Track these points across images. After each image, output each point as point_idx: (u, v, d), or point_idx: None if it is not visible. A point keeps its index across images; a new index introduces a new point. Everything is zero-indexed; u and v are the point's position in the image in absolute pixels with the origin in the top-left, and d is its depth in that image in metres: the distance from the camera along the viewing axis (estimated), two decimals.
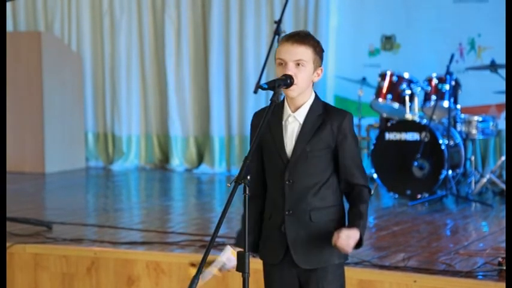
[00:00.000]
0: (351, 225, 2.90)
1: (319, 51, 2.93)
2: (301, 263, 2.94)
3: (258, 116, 3.03)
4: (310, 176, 2.92)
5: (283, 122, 2.95)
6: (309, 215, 2.92)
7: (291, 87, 2.89)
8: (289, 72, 2.87)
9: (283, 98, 2.96)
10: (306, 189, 2.92)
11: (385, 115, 7.16)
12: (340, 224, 2.96)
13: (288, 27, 6.98)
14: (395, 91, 6.95)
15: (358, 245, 2.90)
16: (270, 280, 3.04)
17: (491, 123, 6.96)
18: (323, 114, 2.93)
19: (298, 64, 2.87)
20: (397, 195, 6.70)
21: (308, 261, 2.94)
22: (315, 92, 2.97)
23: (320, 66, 2.94)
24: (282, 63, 2.89)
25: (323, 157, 2.92)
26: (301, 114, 2.93)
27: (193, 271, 2.72)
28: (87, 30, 9.11)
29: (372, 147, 6.90)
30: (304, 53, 2.88)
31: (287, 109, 2.95)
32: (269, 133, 2.95)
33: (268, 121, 2.89)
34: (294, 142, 2.92)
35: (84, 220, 5.99)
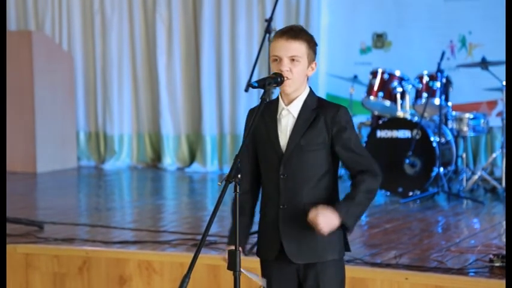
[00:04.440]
0: (335, 207, 2.85)
1: (312, 45, 2.93)
2: (294, 257, 2.93)
3: (252, 112, 3.03)
4: (305, 170, 2.91)
5: (277, 116, 2.95)
6: (304, 209, 2.90)
7: (287, 83, 2.88)
8: (284, 68, 2.87)
9: (279, 93, 2.98)
10: (301, 183, 2.91)
11: (376, 113, 7.17)
12: None
13: (279, 26, 6.94)
14: (386, 89, 6.96)
15: (346, 228, 2.87)
16: (268, 277, 3.01)
17: (482, 121, 6.98)
18: (317, 109, 2.92)
19: (293, 60, 2.88)
20: (388, 193, 6.70)
21: (301, 256, 2.93)
22: (310, 87, 2.98)
23: (314, 60, 2.94)
24: (276, 60, 2.90)
25: (318, 152, 2.91)
26: (295, 108, 2.93)
27: None
28: (78, 29, 9.10)
29: (363, 145, 6.90)
30: (299, 48, 2.88)
31: (281, 103, 2.95)
32: (263, 128, 2.96)
33: (262, 116, 2.91)
34: (288, 136, 2.92)
35: (75, 220, 5.98)
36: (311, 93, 2.96)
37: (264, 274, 3.04)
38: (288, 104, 2.94)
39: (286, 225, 2.93)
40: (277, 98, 2.98)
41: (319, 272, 2.94)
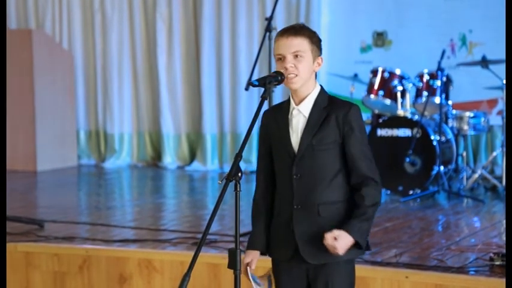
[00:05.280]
0: (345, 226, 2.84)
1: (315, 41, 2.93)
2: (309, 258, 2.91)
3: (265, 114, 3.03)
4: (318, 170, 2.90)
5: (289, 116, 2.94)
6: (318, 209, 2.89)
7: (293, 79, 2.87)
8: (288, 65, 2.87)
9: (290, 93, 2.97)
10: (314, 183, 2.89)
11: (376, 111, 7.17)
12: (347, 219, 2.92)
13: (279, 24, 6.96)
14: (387, 87, 6.96)
15: (358, 246, 2.86)
16: (278, 276, 3.01)
17: (482, 119, 6.98)
18: (328, 107, 2.91)
19: (297, 56, 2.88)
20: (389, 192, 6.70)
21: (316, 256, 2.91)
22: (321, 86, 2.97)
23: (319, 55, 2.94)
24: (280, 58, 2.90)
25: (330, 151, 2.90)
26: (306, 107, 2.92)
27: None
28: (79, 28, 9.10)
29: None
30: (301, 44, 2.88)
31: (292, 103, 2.95)
32: (276, 128, 2.96)
33: (275, 117, 2.94)
34: (299, 136, 2.91)
35: (76, 218, 5.98)
36: (322, 91, 2.95)
37: (274, 273, 3.04)
38: (298, 104, 2.93)
39: (300, 226, 2.91)
40: (289, 98, 2.97)
41: (330, 273, 2.92)
